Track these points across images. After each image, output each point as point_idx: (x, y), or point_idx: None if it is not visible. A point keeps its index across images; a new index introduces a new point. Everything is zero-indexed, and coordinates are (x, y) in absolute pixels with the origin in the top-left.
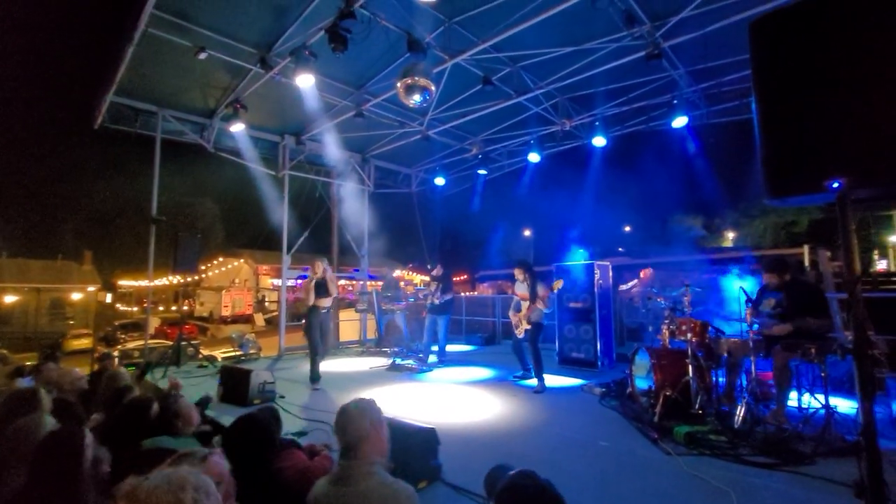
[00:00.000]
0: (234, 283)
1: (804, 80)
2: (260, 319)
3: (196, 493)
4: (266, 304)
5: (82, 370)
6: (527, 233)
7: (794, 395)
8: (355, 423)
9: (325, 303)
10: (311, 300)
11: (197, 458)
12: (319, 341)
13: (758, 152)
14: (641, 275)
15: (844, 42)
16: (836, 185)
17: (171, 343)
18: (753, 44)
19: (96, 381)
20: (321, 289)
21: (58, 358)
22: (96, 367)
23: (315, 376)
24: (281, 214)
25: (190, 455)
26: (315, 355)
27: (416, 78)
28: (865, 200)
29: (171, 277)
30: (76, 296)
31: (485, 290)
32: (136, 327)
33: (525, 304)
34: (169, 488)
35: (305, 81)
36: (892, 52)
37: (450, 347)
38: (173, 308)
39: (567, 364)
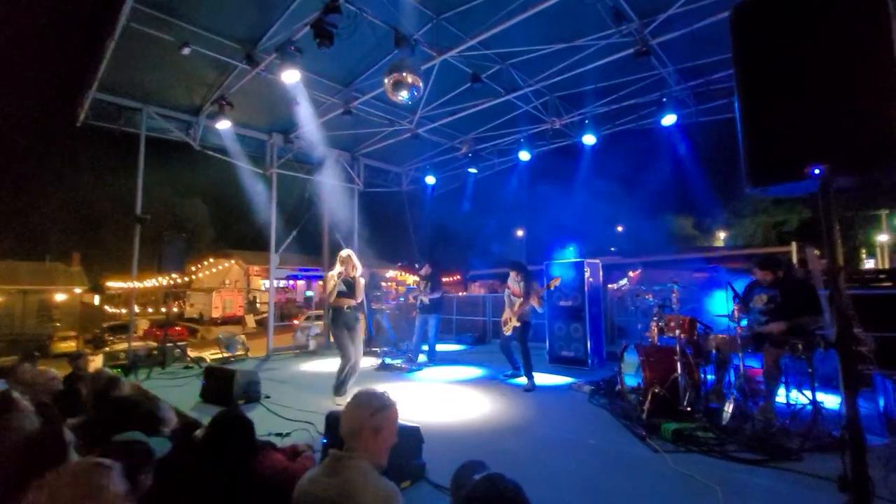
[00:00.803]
0: (224, 284)
1: (786, 68)
2: (251, 321)
3: None
4: (257, 305)
5: (66, 373)
6: (519, 233)
7: (782, 391)
8: (353, 414)
9: (349, 303)
10: (332, 299)
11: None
12: (351, 347)
13: (739, 141)
14: (631, 274)
15: (826, 28)
16: (817, 171)
17: (156, 345)
18: (735, 31)
19: (73, 382)
20: (349, 288)
21: (35, 359)
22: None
23: (341, 388)
24: (269, 214)
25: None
26: (346, 365)
27: (404, 74)
28: (848, 190)
29: (160, 279)
30: (64, 298)
31: (476, 290)
32: (125, 329)
33: (518, 301)
34: None
35: (291, 77)
36: (873, 39)
37: (440, 347)
38: (163, 310)
39: (557, 362)
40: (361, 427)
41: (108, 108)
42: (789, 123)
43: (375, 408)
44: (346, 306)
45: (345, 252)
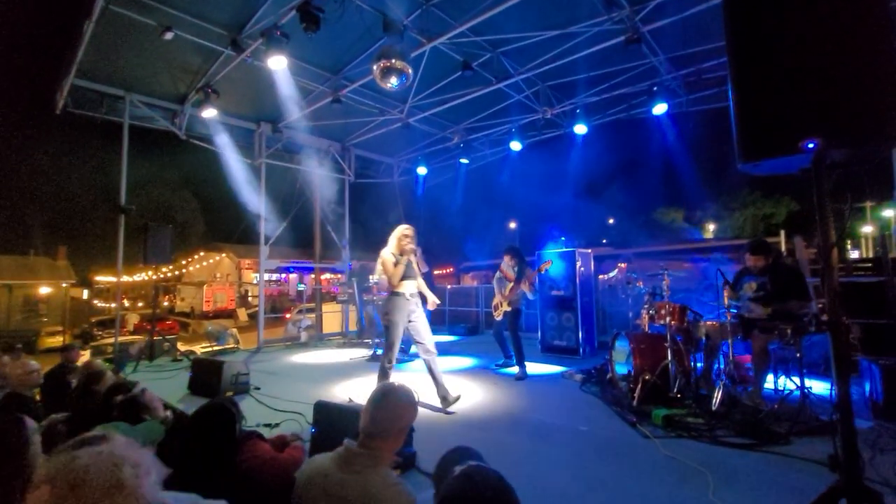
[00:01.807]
0: (215, 277)
1: (779, 42)
2: (243, 314)
3: (135, 469)
4: (249, 298)
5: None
6: (512, 225)
7: (770, 377)
8: (395, 412)
9: (411, 287)
10: (396, 283)
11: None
12: (398, 342)
13: (732, 117)
14: (620, 265)
15: (820, 2)
16: (811, 145)
17: (142, 337)
18: (728, 5)
19: (60, 374)
20: (410, 268)
21: (18, 352)
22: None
23: (443, 390)
24: (259, 205)
25: (104, 437)
26: (387, 364)
27: (393, 60)
28: (840, 165)
29: (149, 272)
30: (50, 292)
31: (469, 281)
32: (115, 324)
33: (509, 285)
34: (105, 466)
35: (278, 64)
36: (868, 12)
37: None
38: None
39: (550, 352)
40: (396, 427)
41: (89, 96)
42: (783, 97)
43: (414, 408)
44: (408, 293)
45: (406, 228)
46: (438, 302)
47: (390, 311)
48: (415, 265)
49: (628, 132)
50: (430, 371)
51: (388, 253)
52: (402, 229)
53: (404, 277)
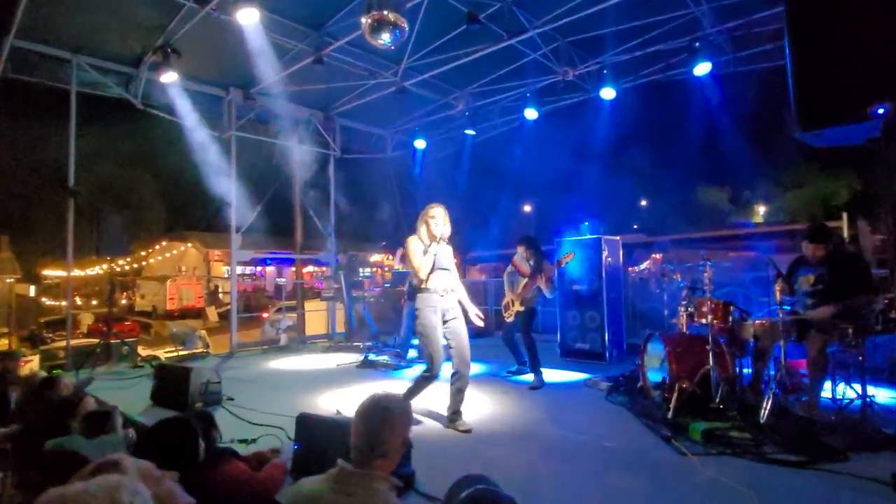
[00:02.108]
0: (180, 271)
1: None
2: (213, 314)
3: (133, 496)
4: (220, 295)
5: None
6: (527, 208)
7: (827, 385)
8: (383, 428)
9: (442, 282)
10: (424, 276)
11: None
12: (441, 348)
13: (789, 79)
14: (656, 256)
15: None
16: (881, 110)
17: (97, 341)
18: None
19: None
20: (440, 259)
21: None
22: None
23: (457, 414)
24: (228, 185)
25: (117, 464)
26: (426, 375)
27: (385, 12)
28: None
29: (104, 265)
30: None
31: (476, 275)
32: (66, 325)
33: (522, 282)
34: (104, 491)
35: (248, 17)
36: None
37: None
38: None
39: (571, 356)
40: (391, 443)
41: (30, 59)
42: (849, 57)
43: (409, 419)
44: (439, 291)
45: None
46: (482, 316)
47: (422, 313)
48: (450, 255)
49: (665, 97)
50: (454, 383)
51: (415, 240)
52: (429, 210)
53: (433, 270)
